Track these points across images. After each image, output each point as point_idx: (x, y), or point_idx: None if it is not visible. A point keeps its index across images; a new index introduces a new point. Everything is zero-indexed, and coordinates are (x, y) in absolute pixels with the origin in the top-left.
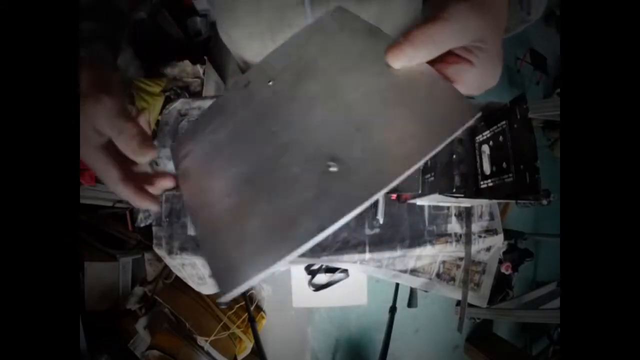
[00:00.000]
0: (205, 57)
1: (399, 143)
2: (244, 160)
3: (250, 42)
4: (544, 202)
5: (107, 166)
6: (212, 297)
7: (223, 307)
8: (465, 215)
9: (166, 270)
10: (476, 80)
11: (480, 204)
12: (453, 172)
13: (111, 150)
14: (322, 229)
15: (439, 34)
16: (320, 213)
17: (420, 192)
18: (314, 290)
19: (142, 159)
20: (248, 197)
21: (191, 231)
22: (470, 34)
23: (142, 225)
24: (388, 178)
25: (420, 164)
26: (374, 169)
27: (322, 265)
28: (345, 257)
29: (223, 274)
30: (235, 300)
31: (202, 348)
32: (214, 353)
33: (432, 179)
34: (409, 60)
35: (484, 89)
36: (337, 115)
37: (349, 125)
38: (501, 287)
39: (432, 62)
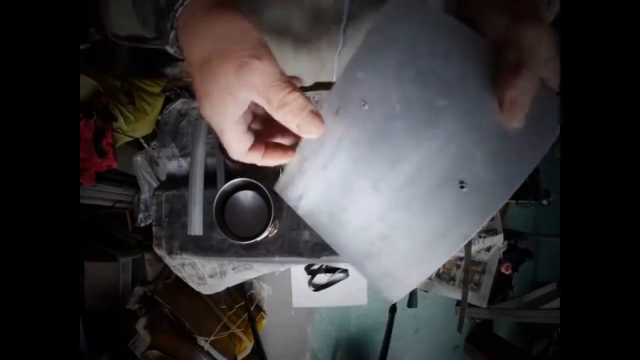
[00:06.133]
0: None
1: (507, 162)
2: (385, 185)
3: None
4: (544, 202)
5: (240, 138)
6: (212, 297)
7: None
8: None
9: (166, 270)
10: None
11: None
12: None
13: (247, 118)
14: (466, 237)
15: (536, 67)
16: (463, 224)
17: None
18: (314, 290)
19: (311, 135)
20: (394, 222)
21: (191, 231)
22: (549, 51)
23: (142, 225)
24: (508, 187)
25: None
26: (494, 182)
27: (322, 265)
28: None
29: (389, 288)
30: (235, 300)
31: (202, 348)
32: (214, 353)
33: None
34: (524, 112)
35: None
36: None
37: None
38: (501, 287)
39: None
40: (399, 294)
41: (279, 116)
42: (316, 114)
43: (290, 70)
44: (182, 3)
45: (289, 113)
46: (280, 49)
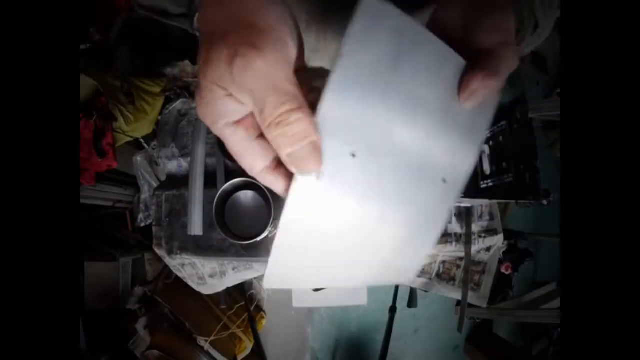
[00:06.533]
0: None
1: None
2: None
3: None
4: (544, 202)
5: (255, 157)
6: (212, 297)
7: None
8: (465, 215)
9: (166, 270)
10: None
11: (480, 204)
12: None
13: (253, 123)
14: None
15: (498, 84)
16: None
17: None
18: (314, 290)
19: (303, 173)
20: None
21: (191, 231)
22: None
23: (142, 225)
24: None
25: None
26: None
27: None
28: None
29: (393, 277)
30: (235, 300)
31: (202, 348)
32: (214, 353)
33: None
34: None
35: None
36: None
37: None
38: (501, 287)
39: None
40: (406, 280)
41: (270, 136)
42: (318, 149)
43: (324, 59)
44: None
45: (283, 136)
46: (321, 38)
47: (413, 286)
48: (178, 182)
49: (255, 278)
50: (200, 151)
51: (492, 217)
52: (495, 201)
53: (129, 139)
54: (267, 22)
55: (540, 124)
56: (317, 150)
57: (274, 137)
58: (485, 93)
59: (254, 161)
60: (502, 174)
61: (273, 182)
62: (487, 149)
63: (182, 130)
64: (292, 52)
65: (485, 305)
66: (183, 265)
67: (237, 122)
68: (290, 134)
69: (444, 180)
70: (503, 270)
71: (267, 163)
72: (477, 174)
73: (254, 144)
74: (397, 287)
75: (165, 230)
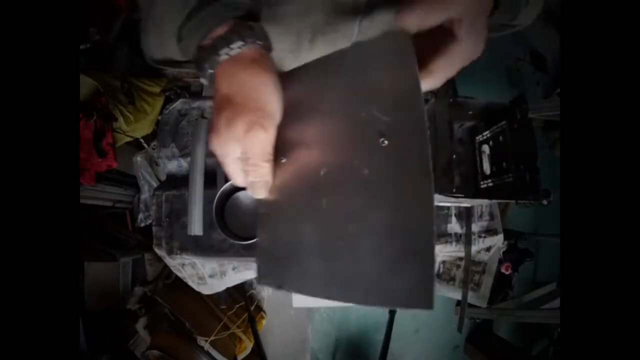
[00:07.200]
0: None
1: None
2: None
3: (285, 37)
4: (544, 202)
5: (238, 172)
6: (212, 297)
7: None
8: (465, 215)
9: (166, 270)
10: (462, 59)
11: (480, 204)
12: (453, 172)
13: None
14: None
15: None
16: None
17: None
18: None
19: (256, 196)
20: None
21: (191, 231)
22: (463, 8)
23: (142, 225)
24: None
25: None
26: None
27: None
28: None
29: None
30: (235, 300)
31: (202, 348)
32: (214, 353)
33: None
34: (419, 19)
35: (468, 61)
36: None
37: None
38: (501, 287)
39: (422, 38)
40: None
41: (246, 167)
42: (267, 184)
43: (304, 58)
44: (227, 52)
45: (253, 172)
46: (298, 38)
47: None
48: (178, 182)
49: (255, 278)
50: (200, 151)
51: (492, 217)
52: (495, 201)
53: (129, 139)
54: (272, 107)
55: (540, 124)
56: (265, 188)
57: (248, 171)
58: (423, 13)
59: (240, 178)
60: (502, 174)
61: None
62: (487, 149)
63: (182, 130)
64: (278, 120)
65: (485, 305)
66: (183, 265)
67: (237, 158)
68: (258, 173)
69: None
70: (503, 270)
71: (247, 180)
72: (477, 174)
73: (242, 170)
74: None
75: (165, 230)
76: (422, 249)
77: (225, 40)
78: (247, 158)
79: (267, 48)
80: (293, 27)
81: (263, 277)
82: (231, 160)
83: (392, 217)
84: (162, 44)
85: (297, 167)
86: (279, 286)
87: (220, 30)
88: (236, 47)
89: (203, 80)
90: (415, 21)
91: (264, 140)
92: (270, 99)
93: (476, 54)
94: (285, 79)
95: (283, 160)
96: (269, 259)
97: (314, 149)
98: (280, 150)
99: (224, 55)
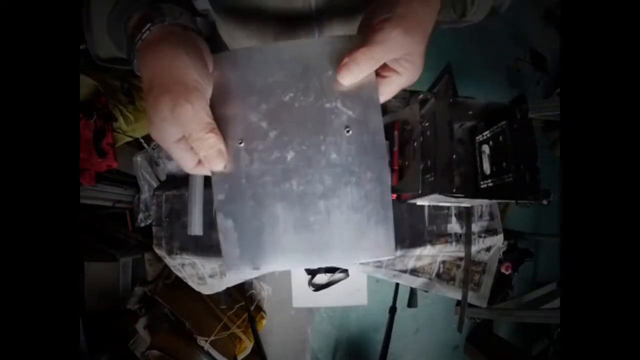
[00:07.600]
0: None
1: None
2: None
3: (249, 41)
4: (544, 202)
5: (183, 156)
6: (212, 297)
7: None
8: (465, 215)
9: (166, 270)
10: (400, 85)
11: (480, 204)
12: (453, 172)
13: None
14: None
15: (378, 54)
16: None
17: (420, 192)
18: (314, 290)
19: (213, 168)
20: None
21: (191, 231)
22: (400, 51)
23: (142, 225)
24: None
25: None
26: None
27: None
28: None
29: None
30: (235, 300)
31: (202, 348)
32: (214, 353)
33: (432, 179)
34: (355, 77)
35: (407, 86)
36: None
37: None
38: (501, 287)
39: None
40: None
41: (193, 144)
42: (222, 153)
43: None
44: (140, 37)
45: (200, 147)
46: (263, 35)
47: (413, 286)
48: (178, 182)
49: (255, 278)
50: None
51: (492, 217)
52: (495, 201)
53: (129, 139)
54: (192, 78)
55: (540, 124)
56: (221, 154)
57: (196, 147)
58: (357, 67)
59: (187, 161)
60: (502, 174)
61: (200, 170)
62: (487, 149)
63: None
64: (209, 94)
65: (485, 305)
66: (183, 265)
67: (178, 140)
68: (205, 145)
69: (347, 130)
70: (503, 270)
71: (195, 162)
72: (477, 174)
73: (187, 152)
74: (397, 287)
75: (165, 230)
76: (383, 214)
77: (138, 27)
78: (189, 135)
79: (184, 25)
80: (254, 33)
81: (234, 262)
82: (172, 144)
83: (358, 192)
84: (104, 41)
85: (258, 151)
86: (255, 268)
87: (135, 19)
88: (146, 31)
89: (138, 73)
90: (352, 80)
91: (194, 113)
92: (189, 71)
93: (413, 80)
94: (238, 57)
95: (241, 144)
96: (238, 243)
97: (278, 134)
98: (237, 132)
99: (138, 42)
